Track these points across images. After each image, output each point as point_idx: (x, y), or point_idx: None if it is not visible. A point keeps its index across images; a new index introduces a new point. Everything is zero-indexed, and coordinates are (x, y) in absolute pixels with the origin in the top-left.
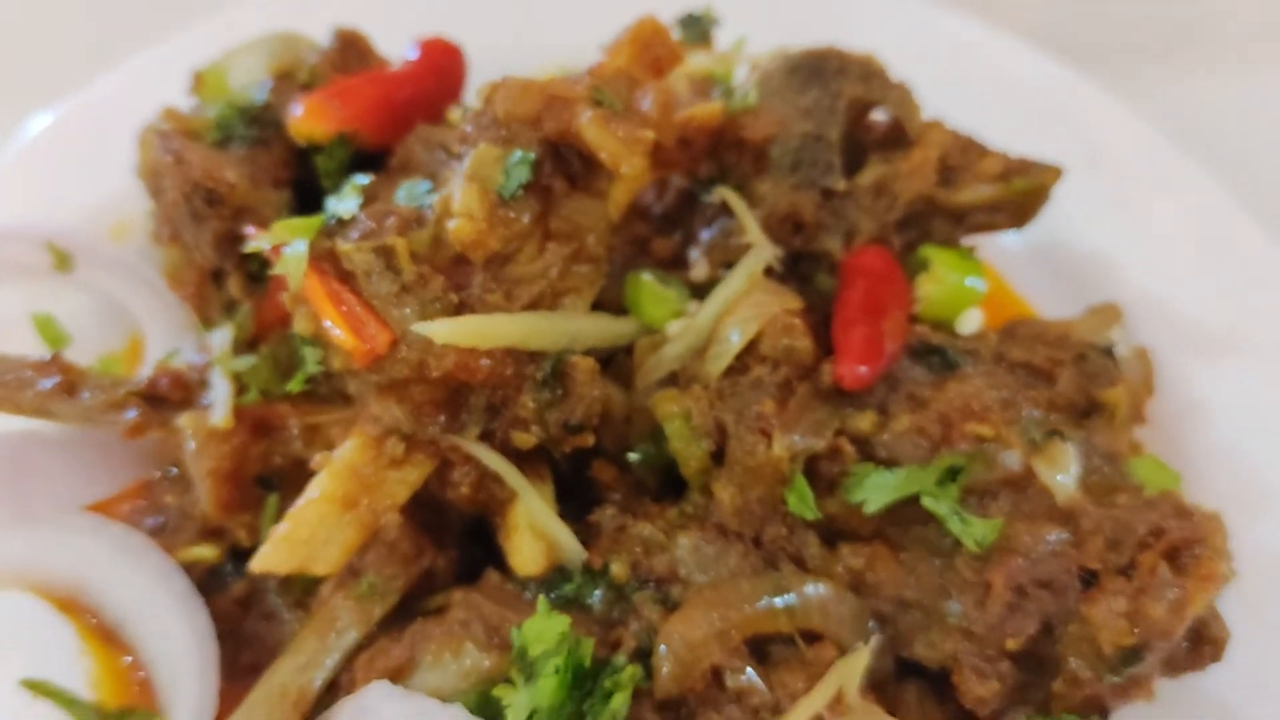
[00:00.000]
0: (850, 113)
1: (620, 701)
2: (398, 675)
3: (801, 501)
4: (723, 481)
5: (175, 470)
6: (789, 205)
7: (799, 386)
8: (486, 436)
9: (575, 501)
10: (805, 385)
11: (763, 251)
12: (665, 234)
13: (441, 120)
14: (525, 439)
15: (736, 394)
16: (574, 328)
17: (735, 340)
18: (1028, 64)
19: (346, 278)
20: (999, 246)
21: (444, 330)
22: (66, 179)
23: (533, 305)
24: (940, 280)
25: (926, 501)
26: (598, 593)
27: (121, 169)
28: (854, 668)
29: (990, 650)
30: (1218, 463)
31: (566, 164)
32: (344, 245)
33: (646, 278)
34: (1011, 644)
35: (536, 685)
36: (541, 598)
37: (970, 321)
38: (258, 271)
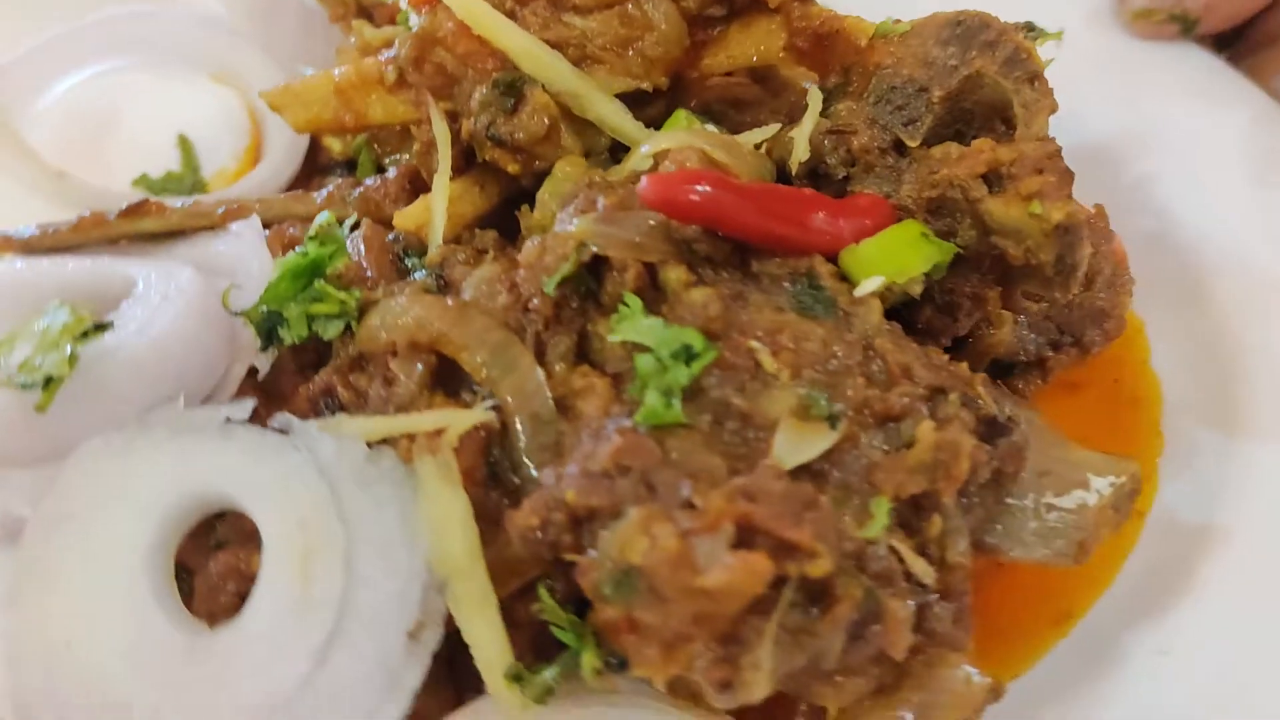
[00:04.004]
0: (970, 84)
1: (322, 310)
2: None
3: (549, 282)
4: (537, 237)
5: None
6: (848, 126)
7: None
8: (455, 119)
9: None
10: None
11: (767, 132)
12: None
13: None
14: (466, 125)
15: (608, 186)
16: (566, 79)
17: (644, 150)
18: None
19: None
20: None
21: (464, 3)
22: None
23: (556, 47)
24: (889, 236)
25: (642, 359)
26: (420, 273)
27: None
28: (464, 421)
29: (553, 498)
30: None
31: None
32: None
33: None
34: (570, 497)
35: (290, 257)
36: (334, 220)
37: (867, 286)
38: None
